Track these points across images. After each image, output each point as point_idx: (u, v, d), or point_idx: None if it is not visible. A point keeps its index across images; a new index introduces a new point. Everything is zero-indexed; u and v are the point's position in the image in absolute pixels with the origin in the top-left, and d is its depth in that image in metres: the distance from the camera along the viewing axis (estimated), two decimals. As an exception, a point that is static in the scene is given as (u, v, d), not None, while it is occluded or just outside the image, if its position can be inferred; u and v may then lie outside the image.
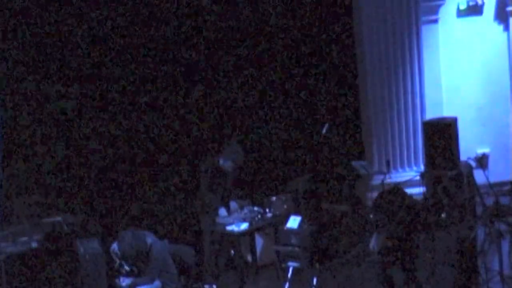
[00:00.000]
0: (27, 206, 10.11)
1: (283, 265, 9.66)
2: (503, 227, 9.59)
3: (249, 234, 10.02)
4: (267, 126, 12.14)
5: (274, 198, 10.27)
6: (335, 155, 12.07)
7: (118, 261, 8.86)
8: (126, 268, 8.81)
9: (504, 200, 10.54)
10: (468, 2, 12.09)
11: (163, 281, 8.80)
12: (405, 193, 8.64)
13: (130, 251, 8.71)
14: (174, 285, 8.90)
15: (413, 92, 11.93)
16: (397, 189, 8.66)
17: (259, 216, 10.00)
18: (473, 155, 11.35)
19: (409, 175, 11.27)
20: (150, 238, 8.92)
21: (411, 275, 8.50)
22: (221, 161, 9.99)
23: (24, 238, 9.32)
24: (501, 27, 12.23)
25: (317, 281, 9.53)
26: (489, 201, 10.13)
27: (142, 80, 11.60)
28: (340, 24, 12.13)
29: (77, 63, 11.29)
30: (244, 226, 9.77)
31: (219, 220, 9.91)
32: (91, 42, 11.31)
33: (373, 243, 8.46)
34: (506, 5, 12.10)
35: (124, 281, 8.75)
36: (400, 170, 11.93)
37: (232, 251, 10.12)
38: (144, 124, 11.65)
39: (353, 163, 11.31)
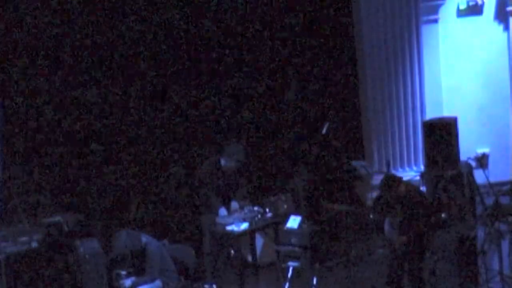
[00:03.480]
0: (27, 206, 10.11)
1: (283, 265, 9.66)
2: (503, 227, 9.59)
3: (249, 234, 10.01)
4: (267, 125, 12.14)
5: (274, 198, 10.26)
6: (335, 155, 12.06)
7: (115, 273, 8.87)
8: (123, 273, 8.82)
9: (504, 200, 10.54)
10: (468, 2, 12.09)
11: (164, 280, 8.80)
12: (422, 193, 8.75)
13: (125, 250, 8.71)
14: (174, 285, 8.90)
15: (413, 92, 11.93)
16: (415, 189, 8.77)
17: (259, 216, 9.99)
18: (473, 155, 11.35)
19: (409, 175, 11.28)
20: (144, 238, 8.91)
21: (417, 273, 8.54)
22: (222, 161, 9.99)
23: (24, 238, 9.31)
24: (501, 27, 12.23)
25: (317, 281, 9.53)
26: (489, 201, 10.12)
27: (142, 79, 11.60)
28: (340, 24, 12.13)
29: (78, 62, 11.30)
30: (244, 226, 9.77)
31: (219, 220, 9.90)
32: (90, 40, 11.34)
33: (387, 227, 8.52)
34: (506, 5, 12.10)
35: (126, 282, 8.75)
36: (400, 170, 11.93)
37: (232, 251, 10.11)
38: (144, 123, 11.65)
39: (353, 163, 11.32)
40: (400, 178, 8.77)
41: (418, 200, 8.59)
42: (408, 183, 8.99)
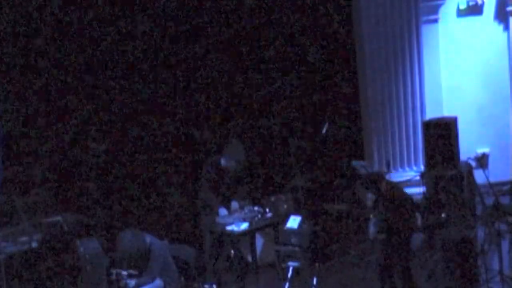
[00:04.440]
0: (27, 206, 10.11)
1: (283, 265, 9.66)
2: (503, 227, 9.59)
3: (249, 234, 10.02)
4: (267, 125, 12.14)
5: (274, 198, 10.26)
6: (335, 155, 12.07)
7: (114, 272, 8.87)
8: (124, 273, 8.82)
9: (504, 200, 10.54)
10: (468, 2, 12.10)
11: (165, 279, 8.81)
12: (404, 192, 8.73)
13: (130, 251, 8.72)
14: (175, 284, 8.90)
15: (413, 92, 11.93)
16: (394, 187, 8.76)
17: (259, 216, 9.99)
18: (473, 155, 11.35)
19: (409, 175, 11.28)
20: (149, 238, 8.93)
21: (406, 271, 8.53)
22: (223, 161, 9.99)
23: (24, 238, 9.31)
24: (501, 27, 12.23)
25: (317, 281, 9.53)
26: (489, 201, 10.13)
27: (142, 78, 11.61)
28: (340, 24, 12.13)
29: (78, 63, 11.31)
30: (244, 226, 9.77)
31: (219, 220, 9.91)
32: (88, 39, 11.34)
33: (372, 230, 8.52)
34: (506, 5, 12.11)
35: (130, 283, 8.76)
36: (400, 170, 11.94)
37: (232, 251, 10.12)
38: (145, 123, 11.66)
39: (353, 163, 11.31)
40: (383, 176, 8.81)
41: (400, 199, 8.58)
42: (391, 182, 9.02)
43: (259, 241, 10.38)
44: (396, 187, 8.78)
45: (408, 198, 8.71)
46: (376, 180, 8.62)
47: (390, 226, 8.43)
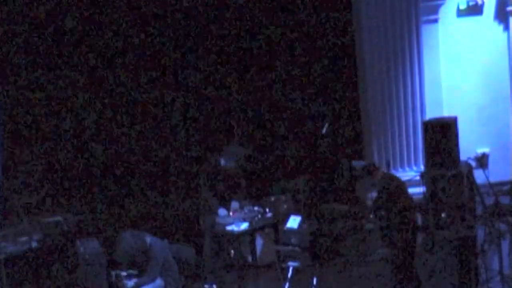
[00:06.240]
0: (27, 206, 10.11)
1: (283, 265, 9.66)
2: (503, 227, 9.59)
3: (249, 234, 10.02)
4: (267, 125, 12.14)
5: (274, 198, 10.26)
6: (335, 155, 12.06)
7: (113, 273, 8.88)
8: (123, 273, 8.83)
9: (504, 200, 10.54)
10: (468, 2, 12.10)
11: (166, 279, 8.82)
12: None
13: (130, 251, 8.73)
14: (175, 284, 8.91)
15: (413, 92, 11.93)
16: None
17: (259, 216, 10.00)
18: (473, 155, 11.34)
19: (409, 175, 11.26)
20: (149, 238, 8.94)
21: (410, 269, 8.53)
22: (222, 162, 9.99)
23: (24, 238, 9.32)
24: (501, 27, 12.24)
25: (317, 281, 9.53)
26: (489, 201, 10.13)
27: (142, 78, 11.61)
28: (340, 24, 12.13)
29: (78, 64, 11.31)
30: (244, 226, 9.77)
31: (219, 220, 9.90)
32: (92, 41, 11.35)
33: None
34: (506, 5, 12.11)
35: (128, 284, 8.77)
36: (400, 170, 11.93)
37: (232, 251, 10.12)
38: (145, 123, 11.66)
39: (353, 163, 11.30)
40: (378, 167, 8.90)
41: (394, 189, 8.57)
42: (387, 173, 9.04)
43: (259, 241, 10.38)
44: (392, 179, 8.78)
45: (405, 193, 8.71)
46: (370, 170, 8.70)
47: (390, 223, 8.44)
